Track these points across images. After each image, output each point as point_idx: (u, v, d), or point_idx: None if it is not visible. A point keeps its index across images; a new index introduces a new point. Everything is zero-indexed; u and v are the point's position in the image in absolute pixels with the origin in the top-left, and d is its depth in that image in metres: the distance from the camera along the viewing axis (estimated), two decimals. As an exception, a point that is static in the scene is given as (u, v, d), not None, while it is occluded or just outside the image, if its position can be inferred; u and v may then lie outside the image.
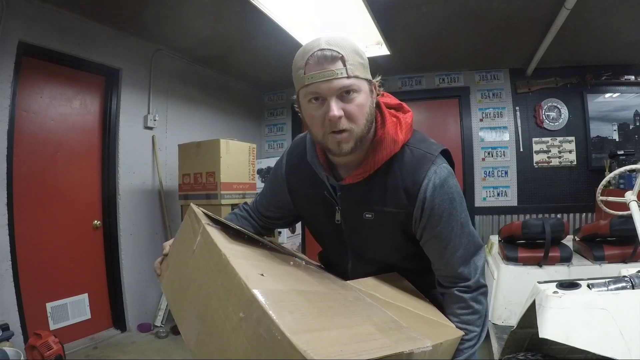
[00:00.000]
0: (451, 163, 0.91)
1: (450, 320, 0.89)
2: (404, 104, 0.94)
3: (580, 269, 2.11)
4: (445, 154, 0.90)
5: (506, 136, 4.01)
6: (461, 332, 0.86)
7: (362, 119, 0.80)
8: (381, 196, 0.87)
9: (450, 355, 0.85)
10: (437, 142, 0.92)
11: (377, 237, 0.92)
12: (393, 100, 0.94)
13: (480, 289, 0.90)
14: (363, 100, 0.79)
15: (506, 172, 4.00)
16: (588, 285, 1.18)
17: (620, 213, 1.88)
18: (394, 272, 1.00)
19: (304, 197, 1.00)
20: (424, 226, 0.86)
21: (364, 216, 0.89)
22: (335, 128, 0.78)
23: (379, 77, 0.87)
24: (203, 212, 0.87)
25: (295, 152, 1.02)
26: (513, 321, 1.70)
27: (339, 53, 0.76)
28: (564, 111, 3.88)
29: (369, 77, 0.82)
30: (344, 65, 0.76)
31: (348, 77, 0.76)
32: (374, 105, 0.85)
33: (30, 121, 2.46)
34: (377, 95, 0.86)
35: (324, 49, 0.76)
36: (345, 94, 0.77)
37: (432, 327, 0.83)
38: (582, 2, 2.41)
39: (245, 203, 1.19)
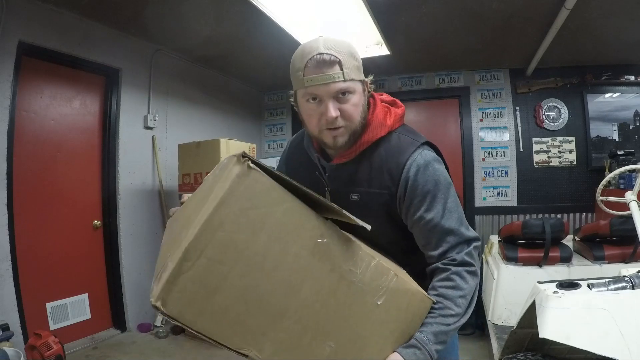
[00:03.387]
0: (440, 157, 0.92)
1: (428, 293, 0.84)
2: (398, 101, 0.99)
3: (580, 269, 2.11)
4: (434, 148, 0.94)
5: (506, 136, 4.01)
6: (432, 300, 0.82)
7: (356, 116, 0.85)
8: (366, 177, 0.90)
9: (416, 323, 0.80)
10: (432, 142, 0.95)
11: (363, 219, 0.91)
12: (388, 97, 0.99)
13: (468, 266, 0.84)
14: (357, 100, 0.85)
15: (506, 172, 3.99)
16: (588, 285, 1.18)
17: (621, 213, 1.88)
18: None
19: (298, 180, 1.01)
20: (408, 207, 0.87)
21: (350, 197, 0.92)
22: (331, 126, 0.84)
23: (371, 77, 0.92)
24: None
25: (295, 141, 1.10)
26: (513, 321, 1.70)
27: (336, 57, 0.80)
28: (564, 111, 3.88)
29: (363, 77, 0.88)
30: (341, 69, 0.80)
31: (344, 80, 0.81)
32: (367, 101, 0.90)
33: (30, 121, 2.46)
34: (369, 92, 0.92)
35: (323, 53, 0.80)
36: (341, 95, 0.83)
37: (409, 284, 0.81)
38: (582, 2, 2.41)
39: None
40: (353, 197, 0.91)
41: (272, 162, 4.10)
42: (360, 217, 0.88)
